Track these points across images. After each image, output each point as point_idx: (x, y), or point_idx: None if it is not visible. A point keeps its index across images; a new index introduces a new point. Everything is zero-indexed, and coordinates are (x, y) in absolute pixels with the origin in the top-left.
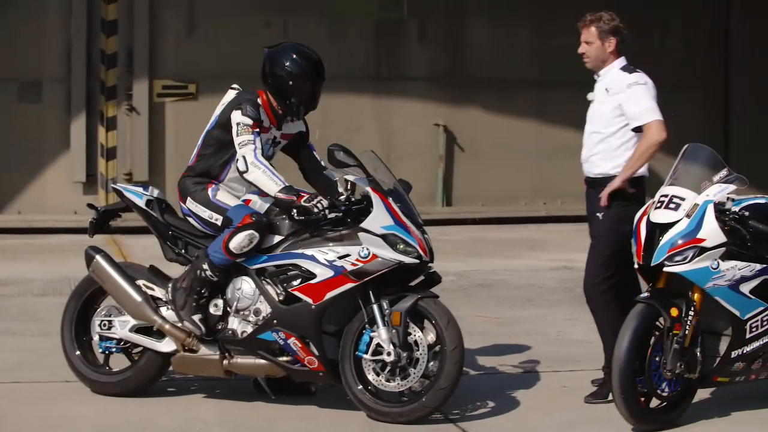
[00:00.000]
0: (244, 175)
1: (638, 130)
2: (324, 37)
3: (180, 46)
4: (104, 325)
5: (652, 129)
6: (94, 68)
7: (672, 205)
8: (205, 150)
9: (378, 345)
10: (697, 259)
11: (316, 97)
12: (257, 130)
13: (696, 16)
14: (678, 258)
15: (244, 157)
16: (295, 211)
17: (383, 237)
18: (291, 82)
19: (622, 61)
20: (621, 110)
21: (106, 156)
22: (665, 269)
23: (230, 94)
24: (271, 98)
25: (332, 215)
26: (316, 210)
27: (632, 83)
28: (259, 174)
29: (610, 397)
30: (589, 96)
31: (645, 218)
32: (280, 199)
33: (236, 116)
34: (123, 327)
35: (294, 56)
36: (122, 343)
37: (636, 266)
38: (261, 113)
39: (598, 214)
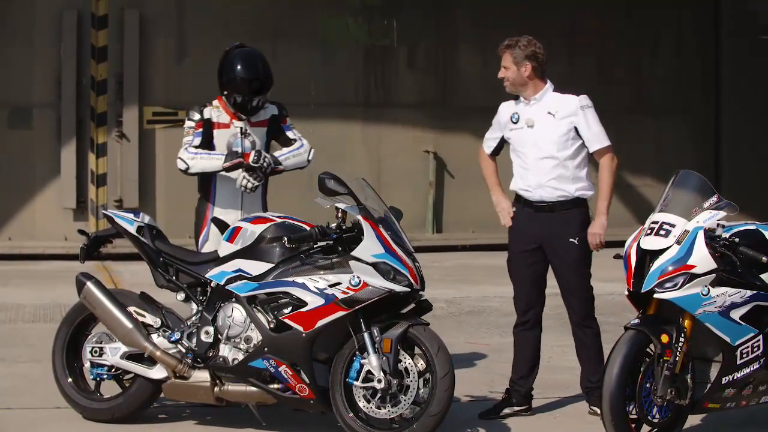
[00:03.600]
0: (188, 171)
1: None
2: (314, 64)
3: (170, 73)
4: (95, 351)
5: (608, 156)
6: (84, 94)
7: (662, 232)
8: None
9: (368, 372)
10: (687, 285)
11: (252, 91)
12: (200, 129)
13: (686, 41)
14: (668, 284)
15: (180, 158)
16: (285, 239)
17: (374, 265)
18: (230, 85)
19: (551, 85)
20: (574, 132)
21: (96, 182)
22: (655, 296)
23: None
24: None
25: (323, 243)
26: (265, 164)
27: (584, 106)
28: (198, 162)
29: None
30: (527, 122)
31: (635, 245)
32: (229, 168)
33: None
34: (114, 354)
35: (235, 65)
36: (113, 370)
37: (626, 293)
38: (217, 112)
39: (572, 240)
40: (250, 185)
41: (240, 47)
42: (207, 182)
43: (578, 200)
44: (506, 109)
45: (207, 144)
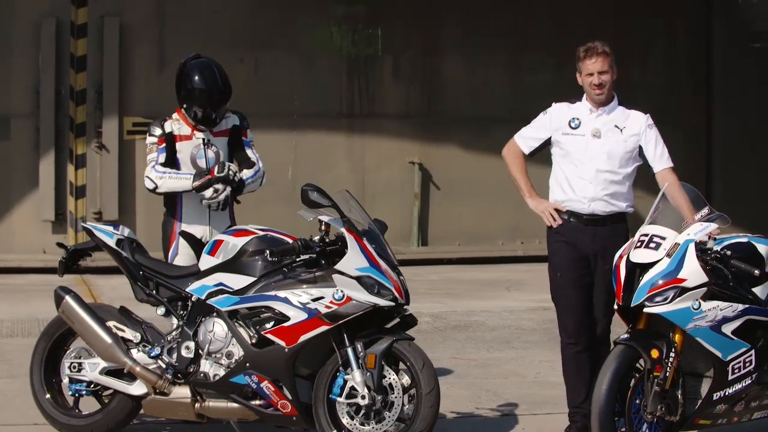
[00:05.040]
0: (156, 191)
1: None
2: (297, 74)
3: (150, 83)
4: (74, 367)
5: (673, 173)
6: (63, 104)
7: (652, 245)
8: None
9: (352, 388)
10: (678, 299)
11: (212, 103)
12: (163, 145)
13: (677, 50)
14: (658, 298)
15: (147, 177)
16: (268, 252)
17: (358, 279)
18: (189, 97)
19: (616, 96)
20: (637, 151)
21: (75, 194)
22: (645, 310)
23: None
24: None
25: (306, 256)
26: (231, 174)
27: (651, 124)
28: (166, 182)
29: None
30: (593, 132)
31: (625, 258)
32: (199, 186)
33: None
34: (93, 369)
35: (193, 76)
36: (92, 386)
37: (615, 307)
38: (178, 125)
39: None
40: (216, 202)
41: (195, 58)
42: (173, 199)
43: (624, 215)
44: (562, 111)
45: (171, 158)
